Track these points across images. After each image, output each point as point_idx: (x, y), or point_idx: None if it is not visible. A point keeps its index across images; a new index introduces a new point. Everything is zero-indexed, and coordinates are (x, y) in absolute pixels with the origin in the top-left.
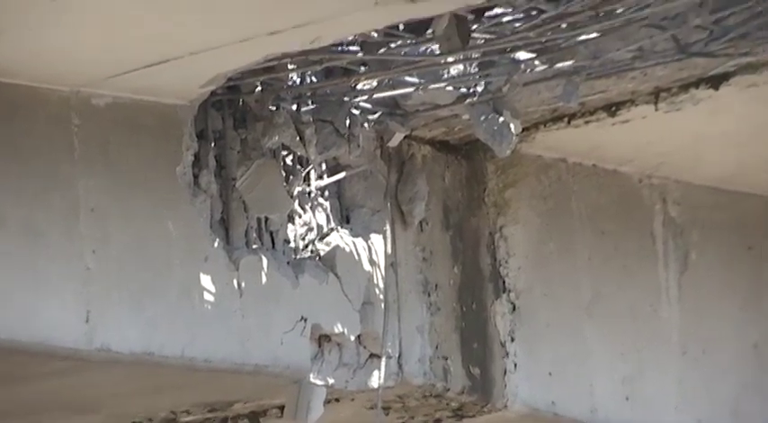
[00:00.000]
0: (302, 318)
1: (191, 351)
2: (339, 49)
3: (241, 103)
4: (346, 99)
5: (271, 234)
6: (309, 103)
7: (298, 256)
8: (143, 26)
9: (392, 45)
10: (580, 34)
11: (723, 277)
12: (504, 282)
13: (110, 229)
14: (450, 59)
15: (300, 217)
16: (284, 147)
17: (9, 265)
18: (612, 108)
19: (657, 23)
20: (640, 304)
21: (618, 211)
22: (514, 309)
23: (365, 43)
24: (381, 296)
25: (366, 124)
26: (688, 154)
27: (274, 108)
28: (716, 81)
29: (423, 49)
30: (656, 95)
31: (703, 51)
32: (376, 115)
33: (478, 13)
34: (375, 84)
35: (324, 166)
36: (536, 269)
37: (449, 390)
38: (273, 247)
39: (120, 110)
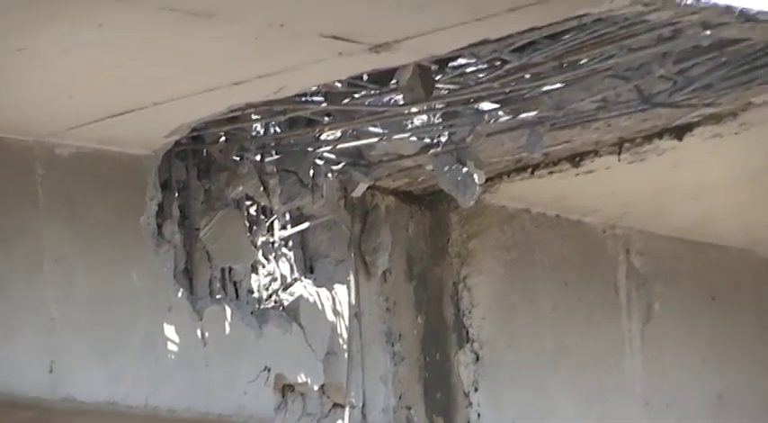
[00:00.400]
0: (266, 367)
1: (155, 401)
2: (303, 99)
3: (205, 153)
4: (310, 149)
5: (234, 284)
6: (273, 153)
7: (261, 306)
8: (106, 77)
9: (356, 95)
10: (544, 85)
11: (686, 328)
12: (467, 332)
13: (74, 279)
14: (413, 110)
15: (264, 267)
16: (248, 197)
17: None
18: (576, 158)
19: (621, 74)
20: (603, 355)
21: (581, 261)
22: (478, 359)
23: (329, 93)
24: (345, 346)
25: (330, 174)
26: (652, 204)
27: (238, 158)
28: (680, 131)
29: (386, 99)
30: (619, 146)
31: (667, 102)
32: (340, 165)
33: (442, 63)
34: (339, 134)
35: (287, 217)
36: (500, 320)
37: None
38: (237, 297)
39: (84, 160)
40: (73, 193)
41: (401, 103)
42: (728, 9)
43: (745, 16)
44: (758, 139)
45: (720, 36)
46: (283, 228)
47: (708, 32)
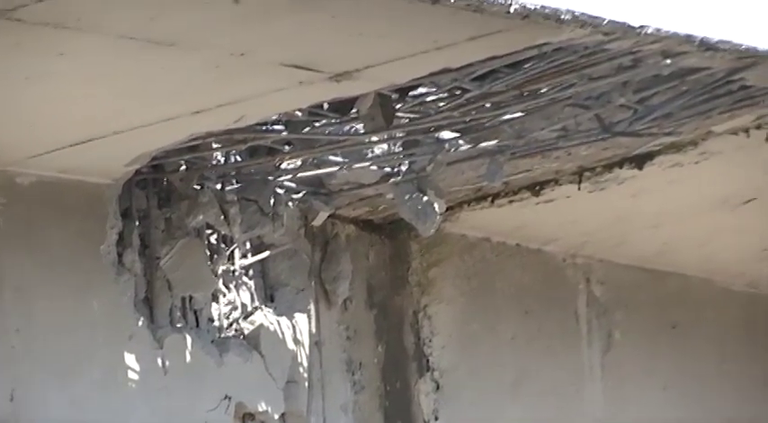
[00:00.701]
0: (226, 396)
1: None
2: (263, 128)
3: (165, 181)
4: (271, 178)
5: (195, 313)
6: (234, 182)
7: (222, 335)
8: (67, 105)
9: (316, 124)
10: (504, 114)
11: (647, 356)
12: (427, 361)
13: (34, 308)
14: (374, 139)
15: (225, 296)
16: (208, 226)
17: None
18: (536, 187)
19: (581, 103)
20: (564, 383)
21: (542, 290)
22: (438, 387)
23: (289, 122)
24: (305, 375)
25: (290, 203)
26: (612, 233)
27: (199, 187)
28: (640, 160)
29: (347, 128)
30: (580, 175)
31: (627, 131)
32: (300, 194)
33: (402, 92)
34: (299, 163)
35: (248, 245)
36: (460, 348)
37: None
38: (198, 325)
39: (45, 189)
40: (33, 222)
41: (362, 131)
42: (689, 38)
43: (706, 45)
44: (718, 168)
45: (681, 65)
46: (244, 256)
47: (668, 61)
